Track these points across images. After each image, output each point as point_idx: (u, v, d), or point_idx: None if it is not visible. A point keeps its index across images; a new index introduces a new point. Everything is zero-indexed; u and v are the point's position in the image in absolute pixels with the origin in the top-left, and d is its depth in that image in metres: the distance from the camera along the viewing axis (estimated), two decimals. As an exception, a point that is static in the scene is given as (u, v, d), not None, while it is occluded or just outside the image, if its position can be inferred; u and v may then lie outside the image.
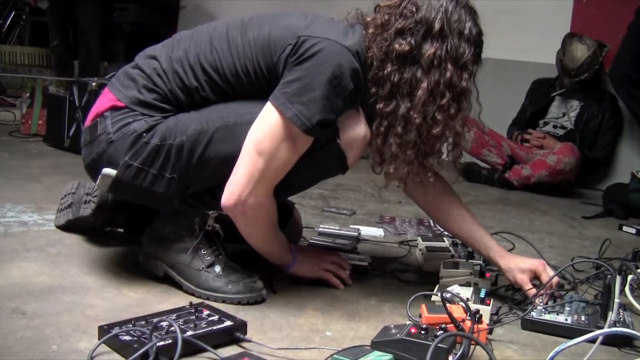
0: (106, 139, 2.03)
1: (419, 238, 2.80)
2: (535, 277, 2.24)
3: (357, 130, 2.05)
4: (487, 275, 2.32)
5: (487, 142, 5.19)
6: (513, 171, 5.02)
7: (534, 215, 4.09)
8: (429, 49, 1.99)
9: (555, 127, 5.41)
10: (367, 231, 3.06)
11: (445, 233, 2.79)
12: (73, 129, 4.46)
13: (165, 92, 2.04)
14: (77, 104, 4.42)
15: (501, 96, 5.74)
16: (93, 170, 2.09)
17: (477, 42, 2.06)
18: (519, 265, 2.25)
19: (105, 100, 2.09)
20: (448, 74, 1.99)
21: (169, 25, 7.64)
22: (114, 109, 2.05)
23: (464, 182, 5.07)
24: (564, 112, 5.42)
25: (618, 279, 1.96)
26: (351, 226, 3.08)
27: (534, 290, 2.18)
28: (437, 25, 1.98)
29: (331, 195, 3.90)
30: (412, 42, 1.99)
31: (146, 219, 2.21)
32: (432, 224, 3.27)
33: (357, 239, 2.87)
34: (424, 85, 1.99)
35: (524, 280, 2.22)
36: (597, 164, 5.33)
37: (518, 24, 5.95)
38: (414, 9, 2.01)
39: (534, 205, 4.48)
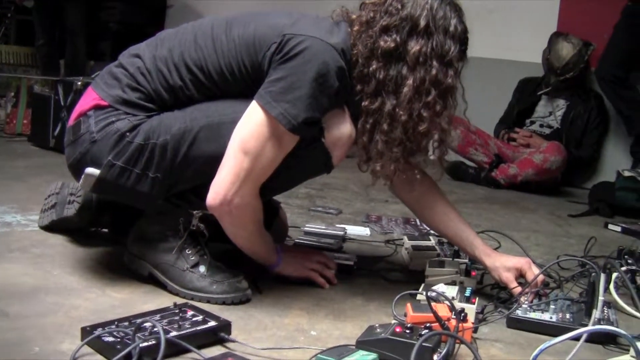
0: (89, 138, 2.01)
1: (405, 237, 2.80)
2: (520, 276, 2.24)
3: (342, 129, 2.05)
4: (473, 273, 2.33)
5: (474, 140, 5.21)
6: (500, 170, 5.03)
7: (521, 214, 4.10)
8: (414, 46, 1.98)
9: (541, 126, 5.43)
10: (354, 230, 3.06)
11: (432, 232, 2.79)
12: (58, 129, 4.44)
13: (149, 91, 2.03)
14: (63, 104, 4.40)
15: (488, 95, 5.75)
16: (76, 169, 2.08)
17: (462, 39, 2.06)
18: (504, 264, 2.25)
19: (89, 99, 2.08)
20: (434, 71, 1.99)
21: (157, 24, 7.60)
22: (97, 108, 2.03)
23: (451, 180, 5.09)
24: (550, 111, 5.44)
25: (602, 277, 1.97)
26: (337, 225, 3.08)
27: (519, 289, 2.18)
28: (422, 23, 1.98)
29: (318, 195, 3.90)
30: (398, 39, 1.99)
31: (131, 219, 2.20)
32: (418, 223, 3.27)
33: (343, 238, 2.87)
34: (410, 82, 1.98)
35: (509, 279, 2.22)
36: (583, 162, 5.35)
37: (505, 23, 5.97)
38: (399, 6, 2.01)
39: (521, 203, 4.49)
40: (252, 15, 2.08)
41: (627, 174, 4.53)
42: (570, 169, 5.15)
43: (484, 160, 5.16)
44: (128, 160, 1.98)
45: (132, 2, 7.74)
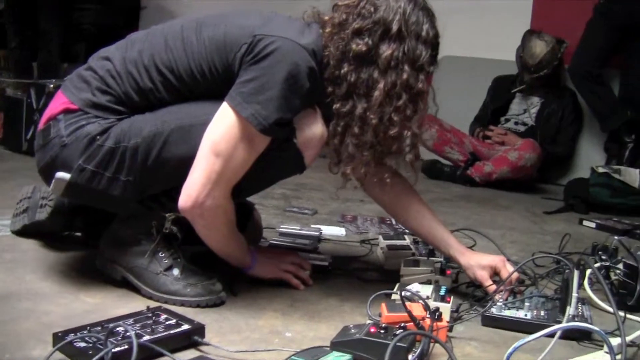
0: (59, 142, 1.99)
1: (380, 236, 2.80)
2: (495, 274, 2.25)
3: (313, 129, 2.04)
4: (448, 272, 2.33)
5: (449, 139, 5.23)
6: (475, 168, 5.05)
7: (496, 211, 4.11)
8: (386, 50, 1.98)
9: (516, 123, 5.46)
10: (329, 230, 3.06)
11: (407, 231, 2.79)
12: (31, 132, 4.41)
13: (119, 93, 2.01)
14: (35, 107, 4.38)
15: (463, 93, 5.77)
16: (47, 174, 2.06)
17: (433, 44, 2.06)
18: (478, 262, 2.26)
19: (58, 103, 2.06)
20: (405, 76, 1.99)
21: (130, 26, 7.56)
22: (67, 111, 2.02)
23: (427, 179, 5.10)
24: (524, 109, 5.47)
25: (576, 274, 1.98)
26: (313, 226, 3.07)
27: (494, 287, 2.19)
28: (394, 27, 1.98)
29: (293, 195, 3.89)
30: (370, 42, 1.99)
31: (104, 222, 2.18)
32: (394, 222, 3.27)
33: (319, 239, 2.87)
34: (381, 86, 1.98)
35: (484, 277, 2.22)
36: (558, 159, 5.39)
37: (479, 22, 5.99)
38: (372, 9, 2.00)
39: (496, 201, 4.50)
40: (223, 16, 2.07)
41: (601, 170, 4.56)
42: (545, 165, 5.18)
43: (460, 159, 5.18)
44: (99, 164, 1.97)
45: (106, 3, 7.67)
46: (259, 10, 2.10)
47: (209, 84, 2.00)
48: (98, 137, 1.96)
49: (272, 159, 2.02)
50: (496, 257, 2.29)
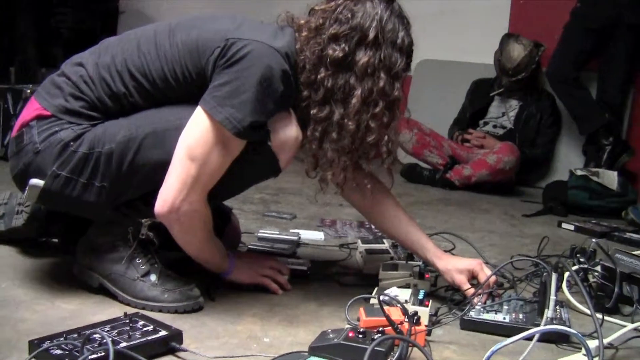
0: (33, 148, 1.98)
1: (359, 240, 2.80)
2: (473, 277, 2.25)
3: (288, 132, 2.03)
4: (427, 276, 2.33)
5: (429, 142, 5.23)
6: (454, 171, 5.05)
7: (475, 215, 4.12)
8: (362, 57, 1.99)
9: (495, 126, 5.47)
10: (308, 235, 3.05)
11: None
12: (8, 138, 4.36)
13: (93, 99, 2.00)
14: (12, 112, 4.34)
15: (442, 97, 5.80)
16: (21, 181, 2.04)
17: (408, 52, 2.08)
18: (456, 266, 2.26)
19: (31, 109, 2.04)
20: (381, 83, 2.00)
21: (108, 31, 7.53)
22: (40, 118, 2.00)
23: (406, 183, 5.10)
24: (503, 112, 5.48)
25: (554, 277, 1.99)
26: (291, 230, 3.07)
27: (472, 290, 2.19)
28: (371, 34, 1.99)
29: (272, 200, 3.88)
30: (346, 48, 1.99)
31: (81, 229, 2.16)
32: (373, 227, 3.26)
33: (297, 243, 2.86)
34: (358, 93, 1.99)
35: (462, 281, 2.23)
36: (536, 162, 5.39)
37: (457, 25, 6.02)
38: (349, 15, 2.01)
39: (475, 204, 4.51)
40: (196, 20, 2.07)
41: (579, 172, 4.59)
42: (524, 168, 5.18)
43: (439, 162, 5.18)
44: (73, 169, 1.95)
45: (84, 8, 7.64)
46: (232, 14, 2.09)
47: (182, 88, 2.00)
48: (72, 143, 1.95)
49: (247, 162, 2.01)
50: (473, 260, 2.30)
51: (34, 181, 1.97)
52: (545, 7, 5.72)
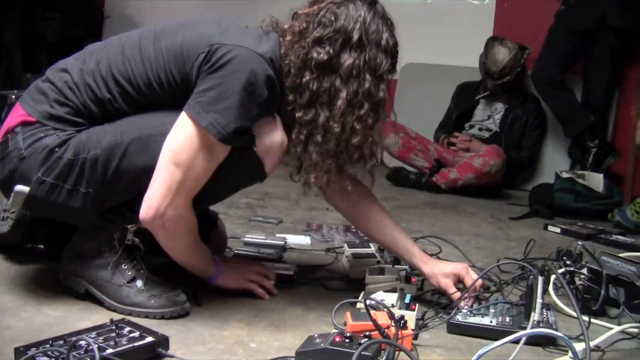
0: (18, 155, 1.97)
1: (345, 245, 2.79)
2: (459, 281, 2.25)
3: (273, 137, 2.04)
4: (413, 280, 2.33)
5: (414, 146, 5.24)
6: (440, 175, 5.07)
7: (462, 218, 4.13)
8: (347, 59, 2.00)
9: (480, 129, 5.49)
10: (294, 239, 3.05)
11: (371, 239, 2.80)
12: (-7, 144, 4.36)
13: (78, 105, 1.99)
14: (-3, 118, 4.33)
15: (427, 100, 5.82)
16: (6, 188, 2.04)
17: (393, 53, 2.09)
18: (441, 270, 2.26)
19: (16, 115, 2.04)
20: (367, 85, 2.01)
21: (94, 36, 7.52)
22: (24, 124, 2.00)
23: (392, 186, 5.11)
24: (489, 115, 5.51)
25: (540, 280, 1.99)
26: (278, 235, 3.06)
27: (458, 294, 2.19)
28: (355, 36, 2.00)
29: (258, 204, 3.88)
30: (331, 51, 2.00)
31: (66, 235, 2.15)
32: (359, 231, 3.27)
33: (284, 248, 2.86)
34: (343, 95, 2.00)
35: (448, 285, 2.23)
36: (522, 165, 5.42)
37: (441, 28, 6.04)
38: (332, 18, 2.01)
39: (462, 207, 4.52)
40: (180, 25, 2.07)
41: (565, 175, 4.62)
42: (510, 171, 5.21)
43: (425, 166, 5.19)
44: (58, 176, 1.95)
45: (69, 13, 7.62)
46: (216, 19, 2.09)
47: (166, 94, 2.00)
48: (57, 149, 1.95)
49: (232, 167, 2.01)
50: (459, 264, 2.30)
51: (19, 187, 1.97)
52: (530, 10, 5.76)
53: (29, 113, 2.01)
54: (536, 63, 5.37)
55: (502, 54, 5.29)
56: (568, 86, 5.32)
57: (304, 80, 2.01)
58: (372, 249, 2.72)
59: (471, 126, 5.54)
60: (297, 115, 2.04)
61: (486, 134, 5.44)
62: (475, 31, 5.79)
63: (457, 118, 5.60)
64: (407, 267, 2.38)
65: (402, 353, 1.73)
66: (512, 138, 5.39)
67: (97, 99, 1.99)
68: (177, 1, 7.04)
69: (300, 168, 2.14)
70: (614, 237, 3.68)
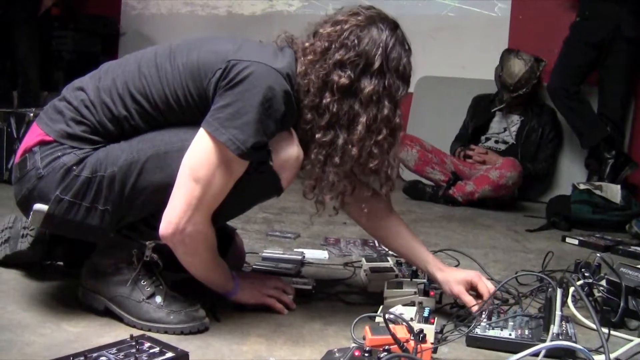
0: (36, 174, 1.99)
1: (363, 259, 2.78)
2: (471, 288, 2.26)
3: (289, 151, 2.04)
4: (432, 293, 2.33)
5: (431, 159, 5.23)
6: (457, 187, 5.06)
7: (478, 231, 4.12)
8: (368, 85, 2.02)
9: (497, 142, 5.48)
10: (312, 254, 3.04)
11: (390, 253, 2.79)
12: (12, 161, 4.38)
13: (94, 123, 2.01)
14: (15, 136, 4.35)
15: (443, 113, 5.82)
16: (25, 206, 2.05)
17: (408, 79, 2.11)
18: (455, 277, 2.28)
19: (34, 135, 2.06)
20: (385, 111, 2.03)
21: (110, 53, 7.58)
22: (42, 143, 2.01)
23: (409, 200, 5.10)
24: (505, 127, 5.50)
25: (559, 292, 1.98)
26: (295, 249, 3.07)
27: (472, 301, 2.19)
28: (377, 62, 2.02)
29: (275, 219, 3.88)
30: (352, 75, 2.02)
31: (85, 251, 2.16)
32: (376, 244, 3.26)
33: (302, 263, 2.86)
34: (363, 120, 2.02)
35: (461, 291, 2.25)
36: (539, 177, 5.41)
37: (457, 41, 6.04)
38: (356, 41, 2.03)
39: (478, 220, 4.51)
40: (196, 42, 2.08)
41: (582, 187, 4.59)
42: (527, 183, 5.19)
43: (441, 179, 5.18)
44: (76, 194, 1.96)
45: (85, 30, 7.67)
46: (232, 36, 2.10)
47: (183, 111, 2.01)
48: (74, 167, 1.96)
49: (249, 182, 2.02)
50: (471, 271, 2.32)
51: (38, 206, 1.98)
52: (545, 22, 5.76)
53: (46, 132, 2.02)
54: (551, 75, 5.36)
55: (518, 67, 5.29)
56: (584, 97, 5.31)
57: (324, 101, 2.03)
58: (390, 262, 2.71)
59: (487, 139, 5.53)
60: (316, 135, 2.05)
61: (502, 147, 5.44)
62: (490, 44, 5.80)
63: (473, 131, 5.59)
64: (425, 280, 2.38)
65: (421, 367, 1.73)
66: (529, 150, 5.38)
67: (114, 117, 2.01)
68: (192, 19, 7.08)
69: (314, 187, 2.15)
70: (633, 248, 3.66)
